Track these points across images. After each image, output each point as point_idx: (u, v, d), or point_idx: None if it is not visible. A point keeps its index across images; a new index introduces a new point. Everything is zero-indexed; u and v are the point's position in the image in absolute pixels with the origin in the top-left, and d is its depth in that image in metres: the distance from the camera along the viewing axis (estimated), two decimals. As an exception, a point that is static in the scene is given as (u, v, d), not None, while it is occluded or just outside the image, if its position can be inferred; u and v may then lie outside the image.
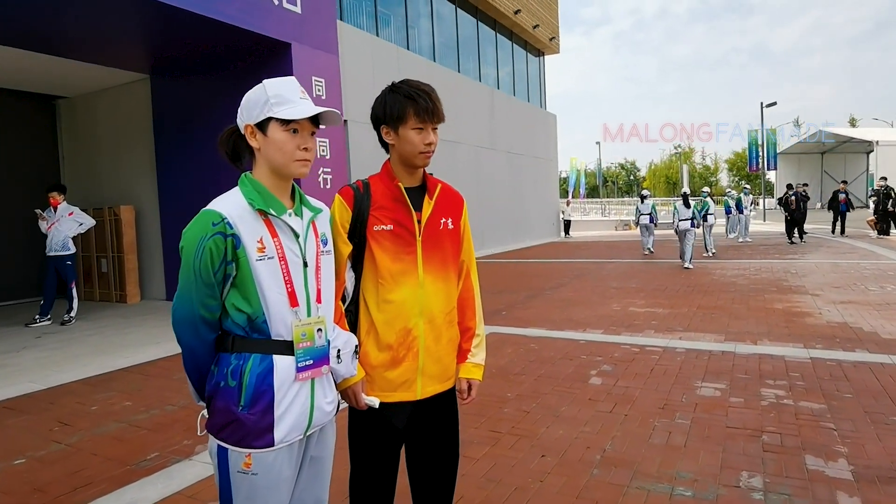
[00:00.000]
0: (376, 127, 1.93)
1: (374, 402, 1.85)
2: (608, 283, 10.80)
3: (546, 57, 26.84)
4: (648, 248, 15.97)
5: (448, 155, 16.60)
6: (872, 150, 41.39)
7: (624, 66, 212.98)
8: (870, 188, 34.64)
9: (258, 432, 1.51)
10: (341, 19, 12.79)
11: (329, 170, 8.53)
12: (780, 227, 20.98)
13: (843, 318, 6.86)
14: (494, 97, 20.22)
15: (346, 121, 10.96)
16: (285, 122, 1.54)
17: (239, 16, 7.14)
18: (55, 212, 8.26)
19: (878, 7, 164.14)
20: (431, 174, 2.02)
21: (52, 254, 8.18)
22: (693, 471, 3.16)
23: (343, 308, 1.90)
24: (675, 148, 71.74)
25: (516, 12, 21.68)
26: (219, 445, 1.54)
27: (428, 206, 1.93)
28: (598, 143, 53.63)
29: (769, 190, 46.32)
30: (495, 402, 4.39)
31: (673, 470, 3.18)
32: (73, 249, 8.37)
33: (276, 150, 1.55)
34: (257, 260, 1.51)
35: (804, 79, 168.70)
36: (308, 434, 1.63)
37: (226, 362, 1.54)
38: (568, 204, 28.67)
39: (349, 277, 1.93)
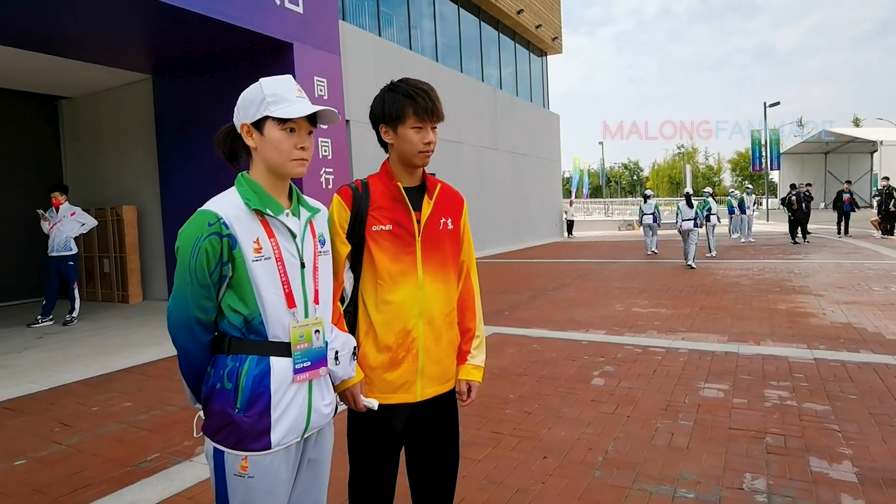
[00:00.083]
0: (375, 126, 1.92)
1: (373, 403, 1.83)
2: (611, 283, 10.77)
3: (549, 57, 26.81)
4: (652, 250, 15.91)
5: (451, 155, 16.59)
6: (876, 150, 41.26)
7: (627, 67, 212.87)
8: (874, 188, 34.56)
9: (255, 435, 1.49)
10: (343, 19, 12.79)
11: (331, 170, 8.51)
12: (784, 227, 20.92)
13: (847, 319, 6.82)
14: (497, 97, 20.20)
15: (348, 121, 10.95)
16: (282, 121, 1.52)
17: (240, 16, 7.13)
18: (57, 212, 8.27)
19: (882, 7, 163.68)
20: (434, 174, 2.00)
21: (54, 254, 8.18)
22: (696, 473, 3.14)
23: (342, 309, 1.89)
24: (679, 148, 71.69)
25: (519, 12, 21.65)
26: (215, 448, 1.52)
27: (427, 206, 1.91)
28: (601, 142, 53.65)
29: (772, 190, 46.24)
30: (497, 403, 4.37)
31: (675, 472, 3.16)
32: (75, 250, 8.38)
33: (273, 149, 1.53)
34: (254, 260, 1.49)
35: (807, 79, 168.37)
36: (305, 436, 1.61)
37: (222, 364, 1.53)
38: (571, 204, 28.65)
39: (348, 278, 1.92)
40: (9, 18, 6.62)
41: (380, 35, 14.61)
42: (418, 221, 1.89)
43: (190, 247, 1.46)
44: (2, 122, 10.73)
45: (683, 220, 13.12)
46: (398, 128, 1.84)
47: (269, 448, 1.51)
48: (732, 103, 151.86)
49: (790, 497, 2.84)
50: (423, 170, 1.96)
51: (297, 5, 8.01)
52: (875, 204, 20.71)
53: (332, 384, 1.73)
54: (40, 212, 8.35)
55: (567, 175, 50.80)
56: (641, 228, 16.92)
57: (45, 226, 8.26)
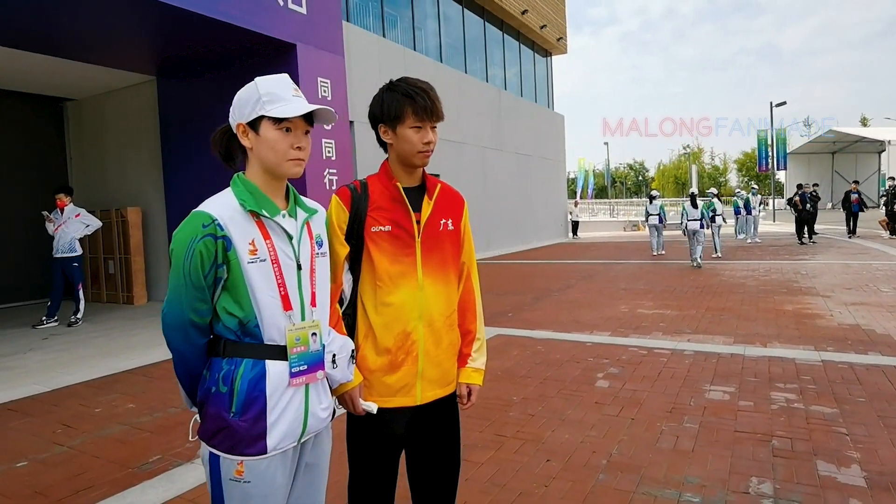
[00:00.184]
0: (374, 126, 1.89)
1: (372, 407, 1.81)
2: (616, 284, 10.72)
3: (553, 57, 26.78)
4: (658, 251, 15.88)
5: (455, 156, 16.57)
6: (884, 150, 41.05)
7: (632, 67, 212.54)
8: (881, 188, 34.35)
9: (250, 439, 1.47)
10: (347, 20, 12.79)
11: (335, 171, 8.49)
12: (790, 228, 20.81)
13: (855, 320, 6.76)
14: (501, 98, 20.17)
15: (352, 122, 10.94)
16: (278, 121, 1.50)
17: (244, 17, 7.12)
18: (62, 213, 8.29)
19: (888, 7, 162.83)
20: (438, 175, 1.97)
21: (58, 255, 8.20)
22: (701, 476, 3.10)
23: (340, 311, 1.86)
24: (684, 148, 71.44)
25: (523, 12, 21.63)
26: (210, 452, 1.50)
27: (427, 207, 1.89)
28: (606, 143, 53.38)
29: (779, 190, 46.01)
30: (500, 406, 4.34)
31: (680, 475, 3.12)
32: (79, 251, 8.39)
33: (269, 149, 1.51)
34: (249, 262, 1.47)
35: (814, 79, 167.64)
36: (303, 441, 1.59)
37: (217, 367, 1.50)
38: (576, 204, 28.55)
39: (346, 280, 1.89)
40: (14, 21, 6.64)
41: (384, 36, 14.60)
42: (418, 222, 1.86)
43: (184, 249, 1.44)
44: (7, 123, 10.77)
45: (689, 221, 13.12)
46: (397, 127, 1.81)
47: (265, 453, 1.48)
48: (737, 103, 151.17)
49: (797, 502, 2.80)
50: (423, 170, 1.93)
51: (301, 6, 7.99)
52: (883, 204, 20.57)
53: (330, 388, 1.71)
54: (45, 213, 8.37)
55: (572, 175, 50.66)
56: (647, 229, 16.87)
57: (49, 227, 8.28)
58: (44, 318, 8.18)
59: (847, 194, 19.46)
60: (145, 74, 9.64)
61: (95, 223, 8.60)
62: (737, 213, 19.62)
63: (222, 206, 1.49)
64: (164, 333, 1.51)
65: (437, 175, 1.98)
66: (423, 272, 1.86)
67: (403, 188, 1.86)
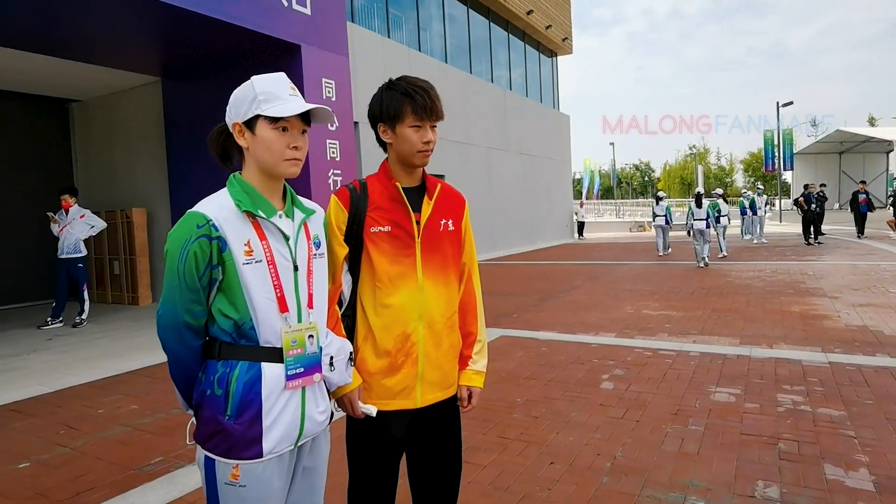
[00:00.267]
0: (373, 125, 1.87)
1: (372, 410, 1.78)
2: (622, 285, 10.67)
3: (559, 58, 26.72)
4: (665, 252, 15.84)
5: (460, 156, 16.55)
6: (892, 150, 40.80)
7: (638, 67, 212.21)
8: (889, 188, 34.14)
9: (246, 443, 1.45)
10: (352, 21, 12.79)
11: (339, 172, 8.48)
12: (797, 228, 20.69)
13: (862, 322, 6.69)
14: (507, 98, 20.14)
15: (356, 123, 10.93)
16: (274, 120, 1.47)
17: (248, 17, 7.12)
18: (67, 214, 8.31)
19: (895, 7, 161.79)
20: (443, 176, 1.95)
21: (63, 256, 8.22)
22: (706, 479, 3.06)
23: (339, 313, 1.84)
24: (690, 148, 71.19)
25: (529, 13, 21.59)
26: (206, 456, 1.48)
27: (427, 207, 1.86)
28: (611, 143, 53.32)
29: (785, 191, 45.80)
30: (504, 408, 4.31)
31: (685, 478, 3.08)
32: (84, 252, 8.41)
33: (265, 149, 1.49)
34: (244, 263, 1.45)
35: (821, 79, 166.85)
36: (300, 444, 1.56)
37: (213, 370, 1.48)
38: (581, 205, 28.51)
39: (346, 281, 1.87)
40: (20, 22, 6.65)
41: (389, 37, 14.60)
42: (418, 222, 1.84)
43: (178, 249, 1.42)
44: (13, 124, 10.82)
45: (695, 220, 13.10)
46: (396, 127, 1.79)
47: (261, 456, 1.46)
48: (744, 104, 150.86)
49: (804, 506, 2.76)
50: (423, 170, 1.91)
51: (305, 7, 7.99)
52: (890, 204, 20.42)
53: (329, 390, 1.68)
54: (50, 214, 8.39)
55: (577, 176, 50.58)
56: (653, 230, 16.83)
57: (55, 228, 8.31)
58: (49, 318, 8.20)
59: (855, 195, 19.32)
60: (150, 75, 9.66)
61: (100, 224, 8.62)
62: (743, 213, 19.49)
63: (217, 207, 1.47)
64: (159, 335, 1.50)
65: (442, 175, 1.95)
66: (423, 273, 1.83)
67: (403, 188, 1.84)
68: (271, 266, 1.48)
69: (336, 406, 1.81)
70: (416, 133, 1.78)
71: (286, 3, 7.67)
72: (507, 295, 9.96)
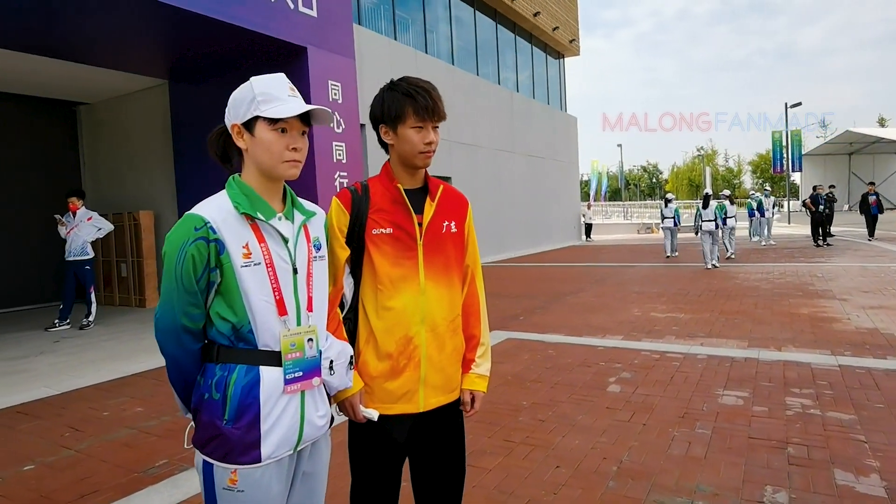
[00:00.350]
0: (375, 127, 1.85)
1: (373, 414, 1.76)
2: (629, 287, 10.62)
3: (566, 59, 26.67)
4: (673, 254, 15.80)
5: (467, 158, 16.53)
6: (902, 151, 40.45)
7: (645, 69, 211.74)
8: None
9: (244, 447, 1.43)
10: (359, 23, 12.81)
11: (345, 174, 8.48)
12: (805, 230, 20.55)
13: (873, 324, 6.62)
14: (514, 100, 20.11)
15: (363, 125, 10.92)
16: (273, 121, 1.46)
17: (255, 20, 7.13)
18: (74, 217, 8.34)
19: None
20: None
21: (71, 259, 8.26)
22: (714, 484, 3.02)
23: (341, 315, 1.82)
24: (698, 150, 70.95)
25: (535, 14, 21.57)
26: (204, 461, 1.47)
27: (429, 209, 1.84)
28: (619, 145, 52.98)
29: (794, 192, 45.51)
30: (509, 411, 4.28)
31: (693, 483, 3.05)
32: (91, 254, 8.44)
33: (264, 150, 1.47)
34: (242, 266, 1.43)
35: (829, 80, 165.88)
36: (299, 449, 1.55)
37: (211, 373, 1.47)
38: (589, 207, 28.45)
39: (347, 283, 1.85)
40: (28, 25, 6.69)
41: (395, 39, 14.60)
42: (420, 224, 1.82)
43: (176, 252, 1.40)
44: (21, 127, 10.88)
45: (703, 222, 13.07)
46: (398, 128, 1.77)
47: (259, 461, 1.44)
48: (751, 105, 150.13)
49: (813, 511, 2.72)
50: (426, 171, 1.89)
51: (312, 9, 8.00)
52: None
53: (329, 394, 1.66)
54: (58, 217, 8.43)
55: (585, 178, 50.42)
56: (661, 231, 16.80)
57: (62, 230, 8.34)
58: (56, 320, 8.24)
59: (864, 196, 19.15)
60: (157, 78, 9.69)
61: (107, 226, 8.66)
62: (751, 215, 19.37)
63: (215, 209, 1.45)
64: (157, 338, 1.48)
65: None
66: (426, 275, 1.81)
67: (405, 190, 1.82)
68: (270, 269, 1.47)
69: (337, 410, 1.79)
70: (418, 134, 1.76)
71: (292, 6, 7.68)
72: (514, 297, 9.93)
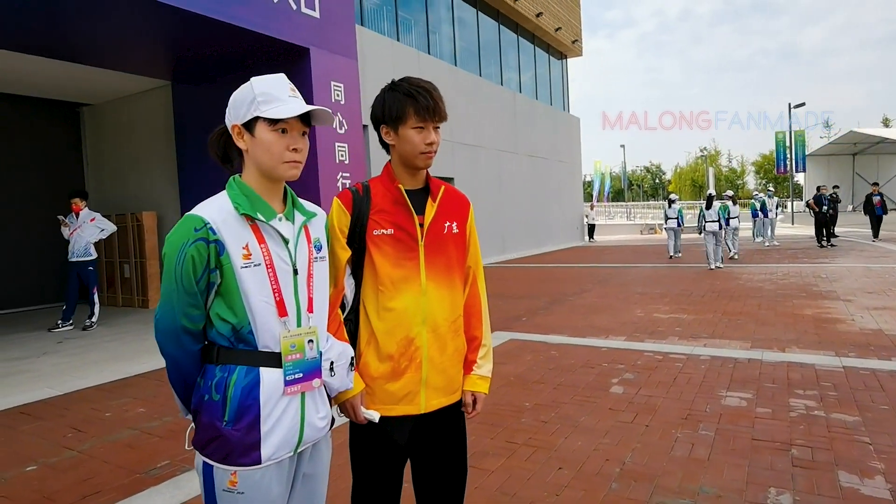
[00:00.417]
0: (376, 127, 1.85)
1: (374, 416, 1.75)
2: (632, 288, 10.60)
3: (569, 60, 26.65)
4: (676, 254, 15.78)
5: (470, 159, 16.52)
6: (907, 151, 40.29)
7: (648, 69, 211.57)
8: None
9: (243, 449, 1.42)
10: (362, 24, 12.81)
11: (348, 175, 8.48)
12: (809, 231, 20.49)
13: (877, 325, 6.59)
14: (517, 101, 20.10)
15: (365, 126, 10.92)
16: (273, 122, 1.45)
17: (257, 21, 7.14)
18: (77, 218, 8.36)
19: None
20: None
21: (74, 259, 8.27)
22: (717, 486, 3.01)
23: (342, 317, 1.82)
24: (701, 150, 70.84)
25: (538, 15, 21.56)
26: (204, 462, 1.46)
27: (431, 209, 1.83)
28: (622, 146, 53.00)
29: (797, 192, 45.41)
30: (512, 412, 4.27)
31: (696, 485, 3.03)
32: (94, 255, 8.46)
33: (264, 151, 1.47)
34: (242, 267, 1.42)
35: (833, 80, 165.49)
36: (299, 451, 1.54)
37: (211, 375, 1.46)
38: (592, 208, 28.41)
39: (349, 284, 1.84)
40: (31, 27, 6.71)
41: (398, 40, 14.61)
42: (421, 225, 1.81)
43: (176, 253, 1.40)
44: (24, 128, 10.92)
45: (707, 223, 13.06)
46: (399, 128, 1.76)
47: (259, 463, 1.44)
48: (755, 105, 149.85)
49: (817, 514, 2.71)
50: (427, 172, 1.88)
51: (314, 10, 8.00)
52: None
53: (329, 396, 1.66)
54: (61, 217, 8.45)
55: (588, 179, 50.42)
56: (664, 232, 16.79)
57: (65, 231, 8.36)
58: (59, 321, 8.26)
59: (869, 197, 19.07)
60: (160, 79, 9.71)
61: (110, 227, 8.67)
62: (754, 216, 19.32)
63: (215, 210, 1.45)
64: (157, 339, 1.48)
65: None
66: (427, 276, 1.81)
67: (406, 190, 1.81)
68: (270, 270, 1.46)
69: (338, 412, 1.78)
70: (419, 134, 1.75)
71: (295, 7, 7.69)
72: (517, 298, 9.91)
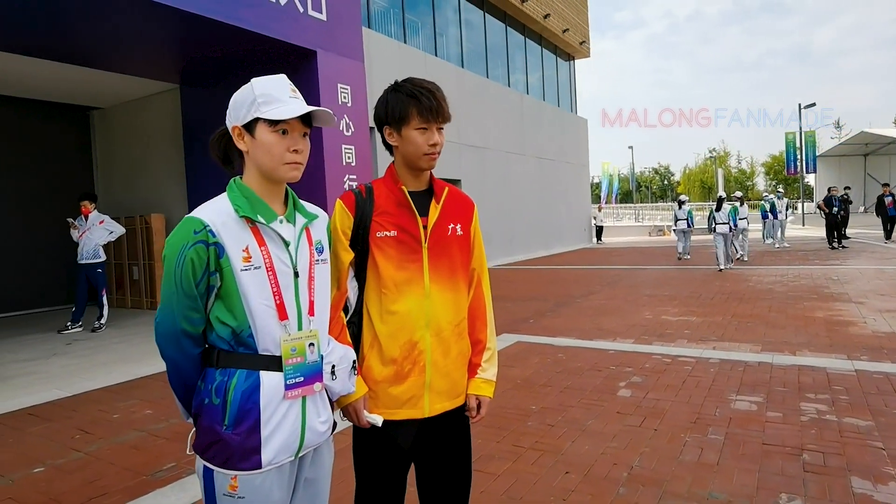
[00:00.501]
0: (379, 128, 1.83)
1: (377, 420, 1.73)
2: (640, 290, 10.54)
3: (577, 61, 26.59)
4: (685, 256, 15.71)
5: (477, 161, 16.50)
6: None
7: (657, 70, 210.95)
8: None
9: (244, 453, 1.41)
10: (369, 27, 12.83)
11: (354, 177, 8.48)
12: (820, 232, 20.33)
13: (890, 328, 6.51)
14: (524, 102, 20.07)
15: (372, 128, 10.94)
16: (273, 123, 1.44)
17: (264, 24, 7.16)
18: (86, 220, 8.41)
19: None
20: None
21: (83, 262, 8.32)
22: (727, 491, 2.97)
23: (345, 320, 1.80)
24: (710, 151, 70.51)
25: (545, 17, 21.53)
26: (205, 466, 1.45)
27: (434, 211, 1.81)
28: (630, 147, 52.73)
29: (808, 194, 45.08)
30: (518, 415, 4.24)
31: (705, 490, 3.00)
32: (103, 257, 8.50)
33: (265, 152, 1.45)
34: (242, 270, 1.41)
35: (845, 80, 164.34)
36: (301, 455, 1.52)
37: (211, 378, 1.45)
38: (600, 209, 28.33)
39: (352, 287, 1.82)
40: (41, 32, 6.76)
41: (405, 42, 14.62)
42: (425, 227, 1.79)
43: (175, 255, 1.39)
44: (35, 132, 10.99)
45: (718, 224, 12.99)
46: (402, 129, 1.75)
47: (260, 467, 1.42)
48: (764, 105, 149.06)
49: (829, 520, 2.66)
50: (431, 173, 1.86)
51: (321, 13, 8.01)
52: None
53: (331, 400, 1.64)
54: (70, 220, 8.50)
55: (596, 180, 50.22)
56: (673, 234, 16.72)
57: (74, 234, 8.42)
58: (68, 323, 8.30)
59: (880, 198, 18.88)
60: (169, 83, 9.76)
61: (119, 230, 8.72)
62: (764, 217, 19.18)
63: (215, 212, 1.43)
64: (157, 342, 1.47)
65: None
66: (431, 279, 1.79)
67: (410, 192, 1.79)
68: (270, 273, 1.44)
69: (341, 416, 1.77)
70: (422, 135, 1.73)
71: (302, 9, 7.70)
72: (524, 300, 9.88)
